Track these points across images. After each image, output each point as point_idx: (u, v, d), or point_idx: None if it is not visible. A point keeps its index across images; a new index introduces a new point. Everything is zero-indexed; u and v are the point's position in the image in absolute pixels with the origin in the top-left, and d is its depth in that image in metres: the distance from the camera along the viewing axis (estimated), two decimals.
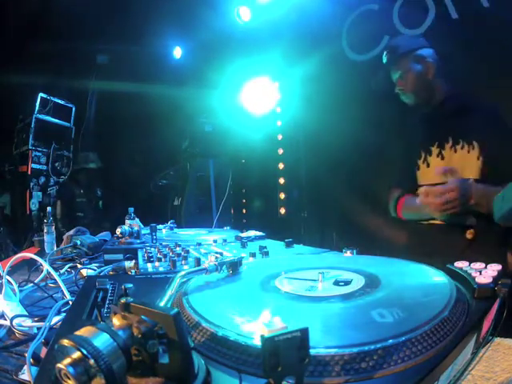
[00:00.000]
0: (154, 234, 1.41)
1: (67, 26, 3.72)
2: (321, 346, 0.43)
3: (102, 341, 0.35)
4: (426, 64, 1.52)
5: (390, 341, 0.43)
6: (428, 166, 1.55)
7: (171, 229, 1.88)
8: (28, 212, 4.37)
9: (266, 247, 1.09)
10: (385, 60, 1.62)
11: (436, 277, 0.66)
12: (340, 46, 2.70)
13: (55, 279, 0.98)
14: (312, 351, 0.37)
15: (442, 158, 1.51)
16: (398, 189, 1.66)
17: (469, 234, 1.41)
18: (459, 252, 1.36)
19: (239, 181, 3.68)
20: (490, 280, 0.60)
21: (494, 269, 0.64)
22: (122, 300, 0.39)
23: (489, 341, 0.57)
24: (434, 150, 1.54)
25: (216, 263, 0.72)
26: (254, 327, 0.48)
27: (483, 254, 1.32)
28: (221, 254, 1.05)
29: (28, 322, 0.75)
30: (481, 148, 1.40)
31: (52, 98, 4.54)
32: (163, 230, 1.80)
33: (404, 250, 1.69)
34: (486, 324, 0.55)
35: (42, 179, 4.57)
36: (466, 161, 1.42)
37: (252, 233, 1.47)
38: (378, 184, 1.47)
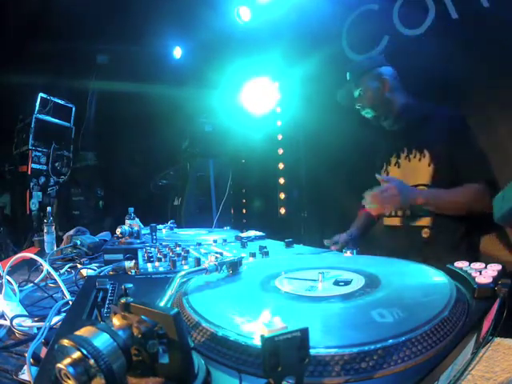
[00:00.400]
0: (154, 233, 1.41)
1: (67, 26, 3.72)
2: (321, 346, 0.43)
3: (102, 341, 0.35)
4: (382, 81, 1.64)
5: (390, 341, 0.43)
6: (388, 175, 1.69)
7: (171, 229, 1.88)
8: (28, 212, 4.36)
9: (265, 247, 1.09)
10: (348, 78, 1.75)
11: (436, 277, 0.66)
12: (340, 46, 2.69)
13: (55, 279, 0.98)
14: (312, 351, 0.37)
15: (399, 167, 1.64)
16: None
17: (424, 234, 1.53)
18: (417, 251, 1.47)
19: (239, 181, 3.68)
20: (490, 280, 0.60)
21: (493, 269, 0.64)
22: (122, 300, 0.39)
23: (489, 341, 0.57)
24: (393, 159, 1.68)
25: (216, 263, 0.72)
26: (254, 327, 0.48)
27: (439, 253, 1.41)
28: (221, 254, 1.05)
29: (28, 322, 0.75)
30: (431, 156, 1.52)
31: (52, 98, 4.54)
32: (163, 230, 1.80)
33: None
34: (486, 324, 0.55)
35: (42, 179, 4.57)
36: (418, 168, 1.55)
37: (252, 233, 1.47)
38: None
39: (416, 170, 1.57)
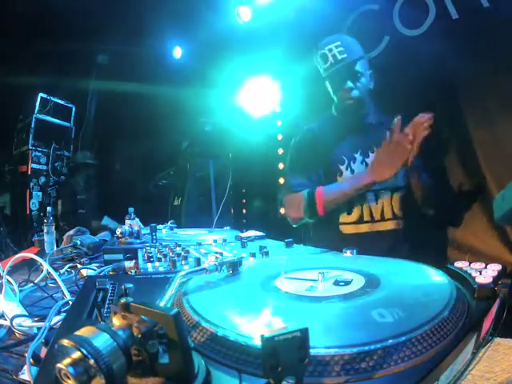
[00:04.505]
0: (154, 233, 1.41)
1: (67, 26, 3.72)
2: (321, 346, 0.43)
3: (102, 341, 0.35)
4: (370, 71, 1.65)
5: (390, 341, 0.43)
6: (352, 172, 1.64)
7: (171, 229, 1.88)
8: (28, 212, 4.37)
9: (266, 247, 1.09)
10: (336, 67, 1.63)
11: (436, 277, 0.66)
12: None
13: (55, 279, 0.98)
14: (312, 351, 0.37)
15: (366, 166, 1.61)
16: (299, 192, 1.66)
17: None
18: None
19: (239, 181, 3.68)
20: (490, 280, 0.60)
21: (493, 269, 0.64)
22: (122, 300, 0.39)
23: (489, 341, 0.57)
24: (358, 157, 1.65)
25: (216, 263, 0.72)
26: (254, 327, 0.48)
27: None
28: (221, 254, 1.05)
29: (28, 322, 0.75)
30: None
31: (52, 98, 4.55)
32: (163, 230, 1.80)
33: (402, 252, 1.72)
34: (486, 324, 0.55)
35: (42, 179, 4.57)
36: None
37: (252, 233, 1.47)
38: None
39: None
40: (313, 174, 1.69)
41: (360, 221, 1.63)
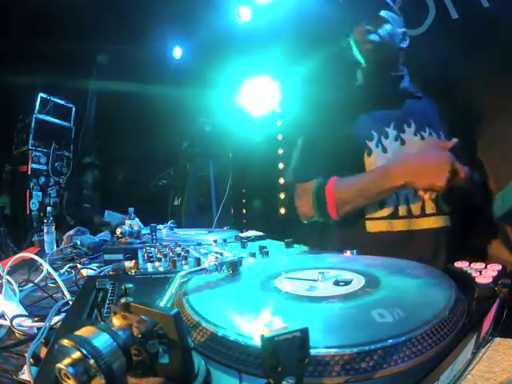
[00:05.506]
0: (154, 233, 1.41)
1: (67, 26, 3.72)
2: (321, 346, 0.43)
3: (102, 341, 0.35)
4: (402, 29, 1.41)
5: (390, 341, 0.43)
6: (384, 150, 1.30)
7: (171, 229, 1.88)
8: (28, 212, 4.37)
9: (266, 247, 1.09)
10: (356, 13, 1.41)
11: (436, 277, 0.66)
12: (340, 47, 2.69)
13: (55, 279, 0.98)
14: (312, 351, 0.37)
15: (402, 143, 1.30)
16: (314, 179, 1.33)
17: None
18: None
19: (239, 181, 3.68)
20: (490, 280, 0.60)
21: (493, 269, 0.64)
22: (122, 300, 0.39)
23: (489, 341, 0.57)
24: (391, 131, 1.31)
25: (216, 263, 0.72)
26: (254, 327, 0.48)
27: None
28: (221, 254, 1.05)
29: (28, 322, 0.75)
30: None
31: (52, 98, 4.54)
32: (163, 230, 1.80)
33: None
34: (486, 324, 0.55)
35: (42, 179, 4.57)
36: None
37: (252, 233, 1.47)
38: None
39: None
40: (327, 158, 1.34)
41: (394, 216, 1.28)
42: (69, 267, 1.30)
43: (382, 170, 1.22)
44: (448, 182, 1.08)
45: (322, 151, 1.36)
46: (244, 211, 3.76)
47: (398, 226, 1.29)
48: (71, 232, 1.76)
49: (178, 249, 1.16)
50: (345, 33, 1.44)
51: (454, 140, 1.15)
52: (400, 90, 1.37)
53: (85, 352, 0.33)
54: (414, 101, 1.37)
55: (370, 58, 1.37)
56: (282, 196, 3.38)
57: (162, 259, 1.02)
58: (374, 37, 1.34)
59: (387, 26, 1.36)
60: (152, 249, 1.19)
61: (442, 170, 1.09)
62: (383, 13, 1.36)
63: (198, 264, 0.89)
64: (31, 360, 0.55)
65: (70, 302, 0.79)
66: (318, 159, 1.36)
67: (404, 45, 1.40)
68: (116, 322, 0.39)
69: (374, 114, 1.36)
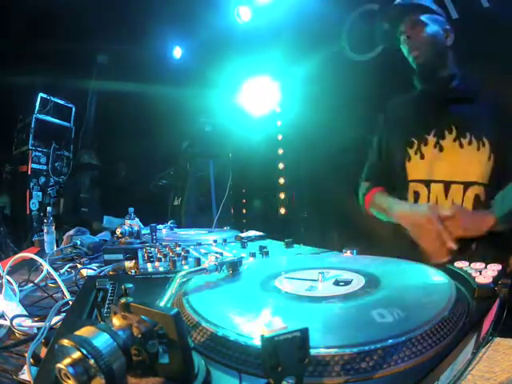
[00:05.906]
0: (154, 233, 1.41)
1: (67, 26, 3.72)
2: (321, 346, 0.43)
3: (102, 341, 0.35)
4: (443, 27, 1.34)
5: (390, 341, 0.43)
6: (422, 157, 1.31)
7: (171, 229, 1.88)
8: (28, 212, 4.37)
9: (266, 247, 1.09)
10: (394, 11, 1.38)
11: (436, 277, 0.66)
12: (340, 46, 2.70)
13: (55, 279, 0.98)
14: (312, 351, 0.37)
15: (441, 150, 1.28)
16: (368, 182, 1.49)
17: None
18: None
19: (239, 181, 3.68)
20: (490, 280, 0.60)
21: (493, 269, 0.64)
22: (122, 300, 0.39)
23: (489, 341, 0.57)
24: (431, 139, 1.30)
25: (216, 263, 0.72)
26: (254, 327, 0.48)
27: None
28: (221, 254, 1.05)
29: (28, 322, 0.75)
30: (492, 147, 1.21)
31: (52, 98, 4.55)
32: (163, 230, 1.80)
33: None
34: (486, 324, 0.55)
35: (42, 179, 4.57)
36: (474, 160, 1.22)
37: (252, 233, 1.47)
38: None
39: (470, 162, 1.22)
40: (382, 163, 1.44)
41: None
42: (69, 267, 1.30)
43: (395, 217, 1.30)
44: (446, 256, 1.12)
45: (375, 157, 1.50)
46: (244, 211, 3.76)
47: None
48: (71, 232, 1.76)
49: (177, 249, 1.16)
50: (396, 46, 1.43)
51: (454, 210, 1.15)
52: (450, 91, 1.34)
53: (85, 352, 0.33)
54: (461, 103, 1.31)
55: (418, 63, 1.36)
56: (282, 196, 3.38)
57: (162, 259, 1.02)
58: (414, 43, 1.34)
59: (427, 29, 1.33)
60: (152, 249, 1.19)
61: (435, 245, 1.14)
62: (423, 17, 1.33)
63: (198, 264, 0.90)
64: (31, 360, 0.56)
65: (70, 302, 0.79)
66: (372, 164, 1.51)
67: (449, 42, 1.35)
68: (116, 322, 0.39)
69: (416, 117, 1.38)
